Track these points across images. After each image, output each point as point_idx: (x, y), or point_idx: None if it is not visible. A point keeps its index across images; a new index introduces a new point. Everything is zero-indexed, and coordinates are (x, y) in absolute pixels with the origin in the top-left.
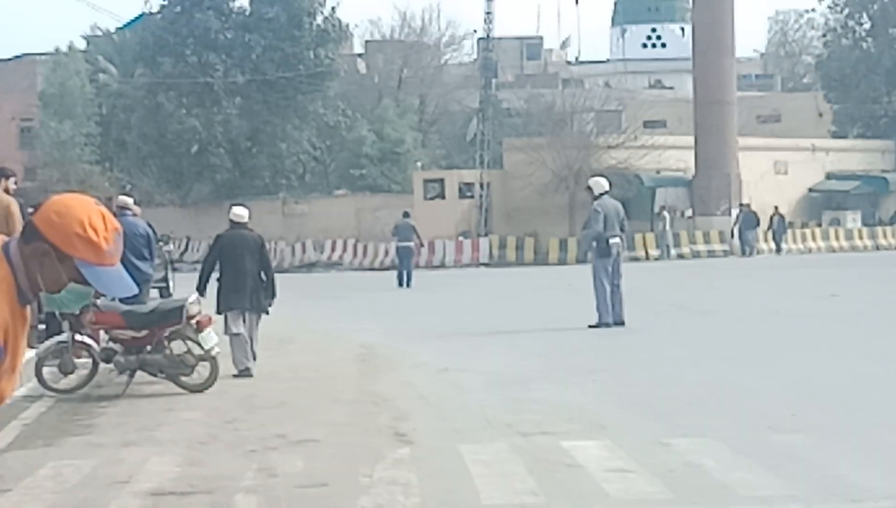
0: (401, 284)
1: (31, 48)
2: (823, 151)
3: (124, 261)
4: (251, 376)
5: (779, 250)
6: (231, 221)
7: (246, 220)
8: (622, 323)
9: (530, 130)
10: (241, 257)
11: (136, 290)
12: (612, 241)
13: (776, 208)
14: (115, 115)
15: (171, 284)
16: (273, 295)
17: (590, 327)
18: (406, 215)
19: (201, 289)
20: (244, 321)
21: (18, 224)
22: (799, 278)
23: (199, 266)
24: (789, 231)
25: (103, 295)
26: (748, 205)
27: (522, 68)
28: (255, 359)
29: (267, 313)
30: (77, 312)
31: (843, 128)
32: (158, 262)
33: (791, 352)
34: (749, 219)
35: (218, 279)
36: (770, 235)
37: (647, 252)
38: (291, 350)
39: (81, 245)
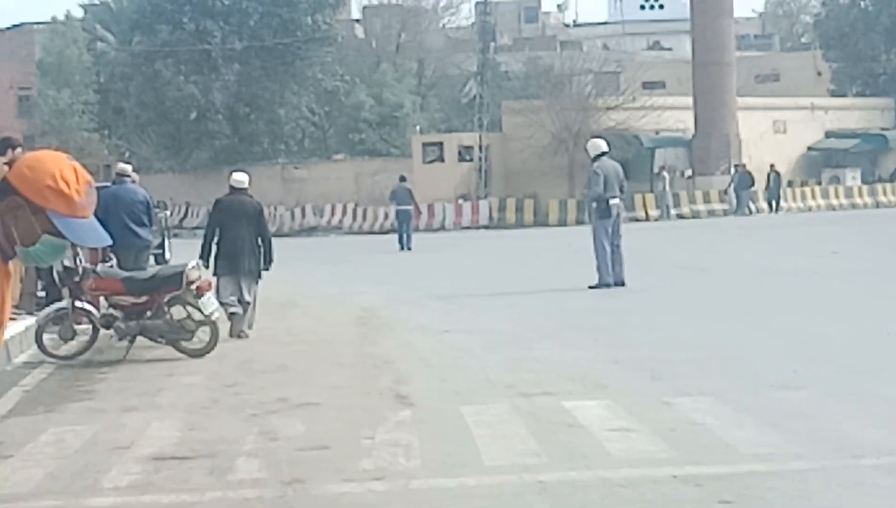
0: (402, 247)
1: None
2: (822, 110)
3: (124, 227)
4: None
5: (777, 208)
6: (231, 186)
7: (246, 186)
8: (623, 283)
9: (529, 92)
10: (238, 222)
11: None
12: (611, 202)
13: (772, 166)
14: (113, 83)
15: (167, 250)
16: (270, 261)
17: (590, 287)
18: (402, 179)
19: (205, 257)
20: (241, 287)
21: None
22: (799, 236)
23: (198, 232)
24: (789, 190)
25: (78, 249)
26: (744, 165)
27: (520, 31)
28: (251, 326)
29: (260, 276)
30: (76, 278)
31: (842, 86)
32: (155, 229)
33: (792, 310)
34: (744, 179)
35: (216, 243)
36: (766, 194)
37: (646, 213)
38: (291, 314)
39: (53, 197)
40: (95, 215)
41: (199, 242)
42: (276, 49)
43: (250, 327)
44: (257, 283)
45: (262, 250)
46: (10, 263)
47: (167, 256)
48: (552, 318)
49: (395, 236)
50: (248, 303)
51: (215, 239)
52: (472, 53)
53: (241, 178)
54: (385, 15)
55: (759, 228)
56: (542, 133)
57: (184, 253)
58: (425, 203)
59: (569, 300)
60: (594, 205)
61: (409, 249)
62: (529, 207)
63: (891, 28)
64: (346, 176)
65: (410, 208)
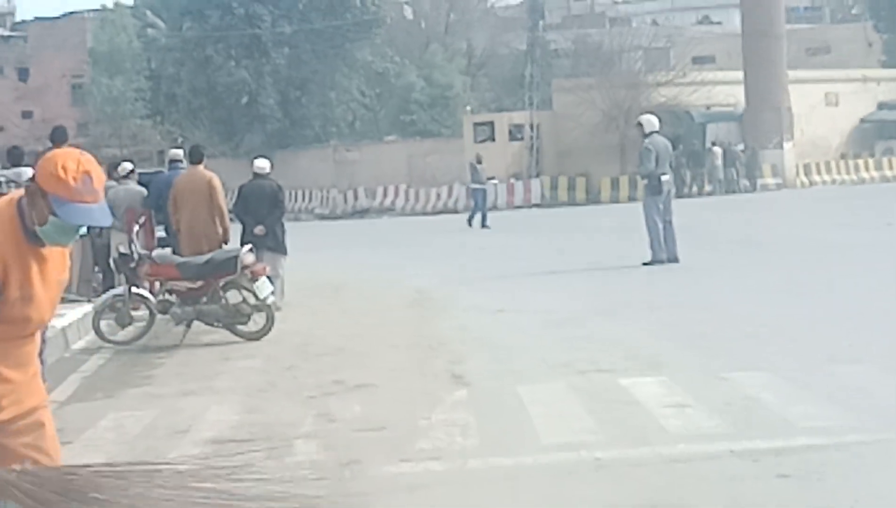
0: (470, 224)
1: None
2: (874, 82)
3: None
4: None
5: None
6: (254, 172)
7: (267, 171)
8: (676, 260)
9: (579, 70)
10: (261, 204)
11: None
12: (663, 178)
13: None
14: (164, 69)
15: None
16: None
17: (644, 264)
18: (479, 160)
19: (247, 239)
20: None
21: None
22: (853, 208)
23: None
24: (842, 162)
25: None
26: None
27: (569, 9)
28: (280, 299)
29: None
30: (132, 265)
31: (894, 58)
32: None
33: (847, 282)
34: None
35: (242, 224)
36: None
37: (699, 188)
38: (346, 297)
39: (53, 182)
40: (152, 201)
41: None
42: (326, 32)
43: (281, 300)
44: (284, 258)
45: (283, 226)
46: (47, 249)
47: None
48: (606, 296)
49: (448, 217)
50: (278, 277)
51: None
52: (522, 32)
53: (261, 164)
54: None
55: (812, 201)
56: (592, 111)
57: (239, 237)
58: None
59: (623, 278)
60: (646, 181)
61: (487, 226)
62: (581, 185)
63: None
64: (398, 157)
65: (485, 186)
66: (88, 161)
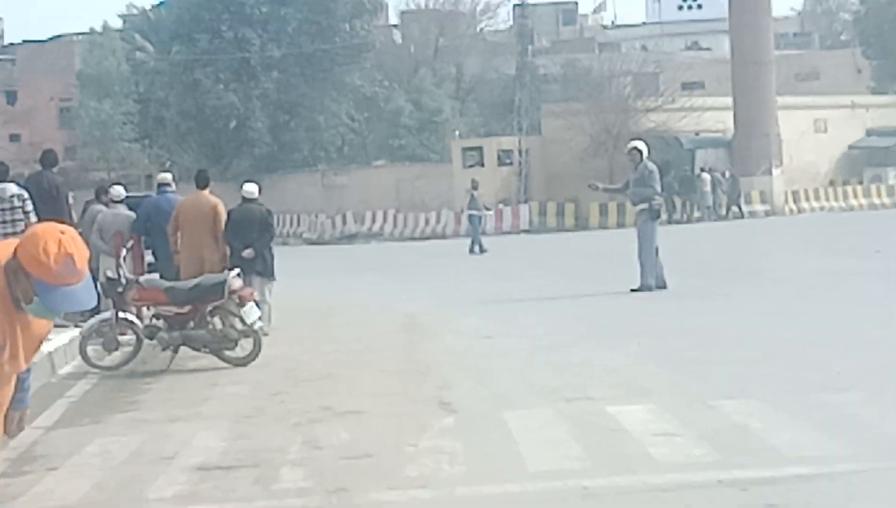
0: (472, 251)
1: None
2: (863, 108)
3: (166, 237)
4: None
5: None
6: (242, 197)
7: (255, 196)
8: (665, 286)
9: (568, 95)
10: (248, 229)
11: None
12: (659, 203)
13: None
14: (153, 92)
15: None
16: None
17: (632, 290)
18: (474, 186)
19: (235, 263)
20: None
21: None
22: (842, 235)
23: None
24: (831, 189)
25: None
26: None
27: (558, 34)
28: (266, 324)
29: (273, 277)
30: (120, 289)
31: (883, 84)
32: None
33: (836, 310)
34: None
35: (230, 249)
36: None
37: (689, 214)
38: (334, 322)
39: (35, 265)
40: (140, 225)
41: None
42: (315, 56)
43: (269, 325)
44: (272, 283)
45: (271, 251)
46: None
47: None
48: (595, 322)
49: (436, 242)
50: (265, 302)
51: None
52: (511, 57)
53: (250, 188)
54: (423, 20)
55: (800, 227)
56: (581, 136)
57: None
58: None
59: (611, 304)
60: (645, 206)
61: (483, 251)
62: (570, 211)
63: None
64: (387, 182)
65: (482, 213)
66: (70, 241)
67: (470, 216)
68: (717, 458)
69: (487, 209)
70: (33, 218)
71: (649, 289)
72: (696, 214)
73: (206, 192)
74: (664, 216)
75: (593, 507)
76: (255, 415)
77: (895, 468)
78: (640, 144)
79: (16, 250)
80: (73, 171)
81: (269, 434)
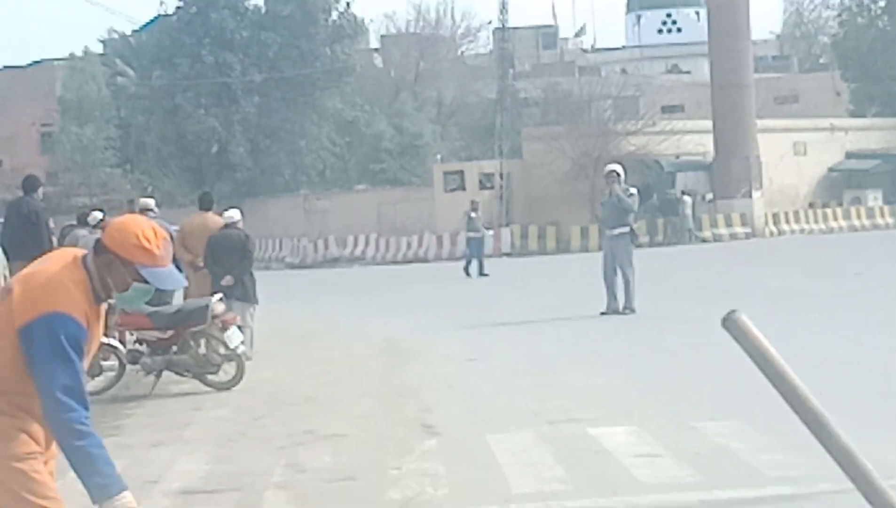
0: (468, 273)
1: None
2: (842, 131)
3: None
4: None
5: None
6: (224, 223)
7: (236, 220)
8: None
9: (548, 119)
10: (228, 254)
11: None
12: (638, 226)
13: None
14: (134, 117)
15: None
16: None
17: (602, 313)
18: (474, 208)
19: (216, 288)
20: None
21: None
22: (822, 257)
23: None
24: (811, 211)
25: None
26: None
27: (539, 58)
28: (249, 348)
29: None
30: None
31: (861, 107)
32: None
33: (815, 331)
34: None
35: (213, 274)
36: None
37: (670, 237)
38: (316, 346)
39: (138, 252)
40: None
41: None
42: (296, 80)
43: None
44: (254, 307)
45: (252, 277)
46: (101, 305)
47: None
48: (576, 345)
49: (418, 267)
50: (247, 327)
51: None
52: (491, 81)
53: (230, 214)
54: (403, 44)
55: (781, 250)
56: (562, 159)
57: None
58: (447, 232)
59: (592, 327)
60: (626, 229)
61: (485, 274)
62: (552, 234)
63: None
64: (368, 206)
65: (481, 235)
66: (159, 228)
67: (468, 239)
68: (699, 479)
69: (488, 229)
70: None
71: (633, 311)
72: (677, 236)
73: (211, 213)
74: (646, 239)
75: None
76: (237, 439)
77: None
78: (618, 167)
79: (102, 247)
80: (54, 196)
81: (252, 458)
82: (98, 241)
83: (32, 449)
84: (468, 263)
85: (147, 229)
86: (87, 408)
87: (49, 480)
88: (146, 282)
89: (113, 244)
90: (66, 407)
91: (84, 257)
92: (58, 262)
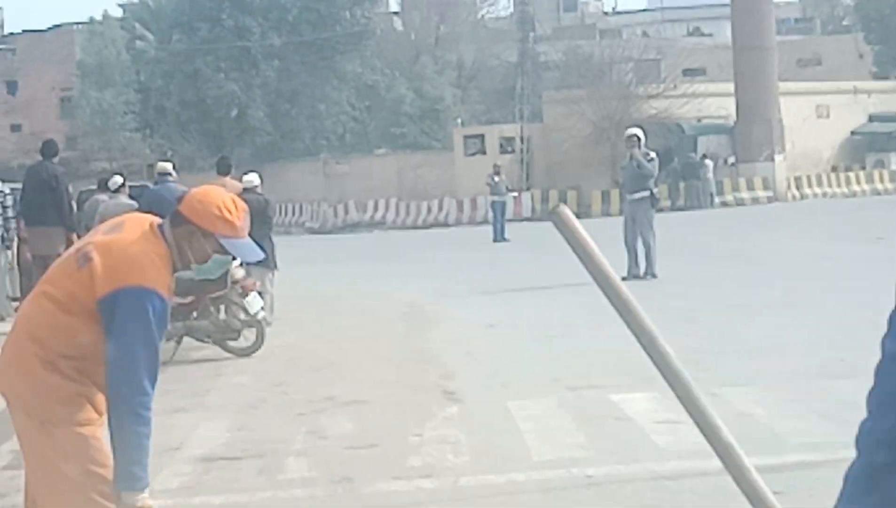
0: (496, 238)
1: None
2: (865, 94)
3: None
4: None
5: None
6: (243, 187)
7: (255, 185)
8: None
9: (569, 82)
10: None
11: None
12: (658, 190)
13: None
14: (153, 82)
15: None
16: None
17: (623, 279)
18: (497, 172)
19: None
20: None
21: None
22: (844, 222)
23: None
24: (833, 175)
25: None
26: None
27: (559, 21)
28: (269, 314)
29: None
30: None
31: (884, 69)
32: None
33: (839, 296)
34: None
35: None
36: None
37: (689, 201)
38: (337, 311)
39: (220, 223)
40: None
41: None
42: (316, 44)
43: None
44: (273, 273)
45: (272, 242)
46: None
47: None
48: (597, 311)
49: (438, 231)
50: (267, 292)
51: None
52: (512, 44)
53: (250, 178)
54: (423, 7)
55: (803, 214)
56: (583, 123)
57: None
58: (468, 197)
59: None
60: (647, 193)
61: (506, 239)
62: (572, 198)
63: None
64: (388, 170)
65: (505, 198)
66: (239, 200)
67: (493, 203)
68: None
69: (510, 191)
70: (10, 213)
71: (654, 277)
72: (698, 200)
73: (229, 178)
74: (667, 203)
75: (597, 495)
76: (258, 405)
77: None
78: (638, 131)
79: (182, 218)
80: (74, 161)
81: (273, 425)
82: (177, 212)
83: (93, 416)
84: (496, 232)
85: (228, 201)
86: (153, 391)
87: (107, 448)
88: (226, 253)
89: (194, 215)
90: (138, 389)
91: (160, 227)
92: (138, 231)
